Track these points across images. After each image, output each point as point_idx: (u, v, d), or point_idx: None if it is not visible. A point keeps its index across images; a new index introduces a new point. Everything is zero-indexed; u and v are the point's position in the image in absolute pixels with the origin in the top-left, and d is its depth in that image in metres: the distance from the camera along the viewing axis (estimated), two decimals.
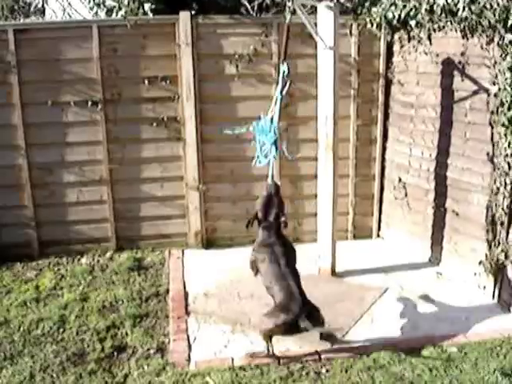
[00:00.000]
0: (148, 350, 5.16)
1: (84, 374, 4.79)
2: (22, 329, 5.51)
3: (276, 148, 5.56)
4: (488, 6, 5.51)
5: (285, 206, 5.47)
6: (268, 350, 4.96)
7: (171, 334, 5.41)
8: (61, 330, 5.50)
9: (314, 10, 6.33)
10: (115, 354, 5.11)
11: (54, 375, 4.79)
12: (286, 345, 5.19)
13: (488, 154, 5.90)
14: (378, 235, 7.84)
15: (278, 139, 5.57)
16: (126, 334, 5.43)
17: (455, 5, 5.85)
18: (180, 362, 4.95)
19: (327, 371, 4.81)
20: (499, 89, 5.60)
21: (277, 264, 5.05)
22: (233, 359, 4.95)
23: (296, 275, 5.05)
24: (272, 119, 5.57)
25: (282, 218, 5.30)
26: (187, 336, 5.38)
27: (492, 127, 5.81)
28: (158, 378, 4.73)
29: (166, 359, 5.00)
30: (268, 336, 4.92)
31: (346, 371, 4.79)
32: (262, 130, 5.61)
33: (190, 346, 5.22)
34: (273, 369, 4.80)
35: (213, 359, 5.01)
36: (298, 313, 4.72)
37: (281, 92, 5.61)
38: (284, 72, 5.62)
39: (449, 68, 6.35)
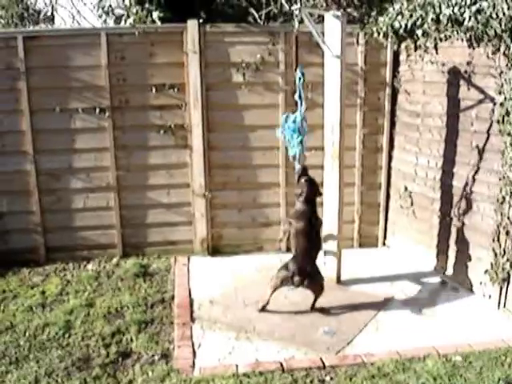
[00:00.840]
0: (153, 356, 5.17)
1: (89, 380, 4.80)
2: (27, 334, 5.52)
3: (302, 146, 6.16)
4: (494, 16, 5.52)
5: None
6: (267, 299, 5.92)
7: (176, 340, 5.41)
8: (66, 335, 5.51)
9: (321, 19, 6.37)
10: (120, 359, 5.12)
11: (59, 380, 4.80)
12: (290, 352, 5.22)
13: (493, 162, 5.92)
14: (384, 244, 7.84)
15: (303, 140, 6.12)
16: (131, 339, 5.44)
17: (461, 14, 5.86)
18: (184, 368, 4.95)
19: (331, 379, 4.79)
20: (505, 98, 5.61)
21: (309, 226, 5.92)
22: (237, 366, 4.94)
23: (317, 242, 6.06)
24: (294, 120, 6.10)
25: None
26: (192, 342, 5.39)
27: (497, 136, 5.82)
28: None
29: (170, 365, 5.00)
30: (274, 288, 5.86)
31: (350, 379, 4.77)
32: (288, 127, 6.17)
33: (194, 353, 5.22)
34: (277, 376, 4.79)
35: (217, 366, 5.01)
36: (294, 270, 5.74)
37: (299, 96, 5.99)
38: (300, 78, 5.91)
39: (455, 77, 6.37)
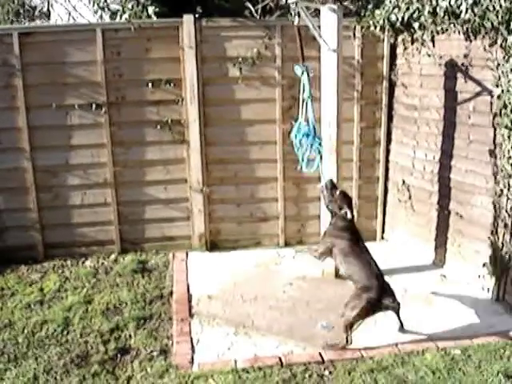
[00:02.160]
0: (151, 352, 5.17)
1: (87, 376, 4.81)
2: (26, 331, 5.52)
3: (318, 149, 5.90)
4: (491, 8, 5.50)
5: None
6: (347, 340, 5.08)
7: (175, 336, 5.41)
8: (65, 332, 5.51)
9: (317, 13, 6.34)
10: (119, 356, 5.12)
11: (58, 377, 4.81)
12: (289, 347, 5.21)
13: (491, 155, 5.90)
14: (382, 237, 7.83)
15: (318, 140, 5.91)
16: (130, 336, 5.44)
17: (458, 7, 5.84)
18: (183, 364, 4.96)
19: (330, 373, 4.80)
20: (502, 91, 5.59)
21: (357, 245, 5.38)
22: (236, 361, 4.95)
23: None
24: (308, 122, 5.91)
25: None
26: (190, 338, 5.39)
27: (495, 129, 5.80)
28: (161, 380, 4.74)
29: (169, 361, 5.00)
30: (351, 325, 5.07)
31: (349, 373, 4.78)
32: (299, 131, 5.97)
33: (193, 349, 5.22)
34: (276, 371, 4.80)
35: (216, 361, 5.01)
36: (380, 290, 5.07)
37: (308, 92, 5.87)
38: (303, 73, 5.84)
39: (452, 70, 6.35)
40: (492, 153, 5.88)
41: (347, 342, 5.09)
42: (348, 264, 5.30)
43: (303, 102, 5.99)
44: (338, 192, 5.56)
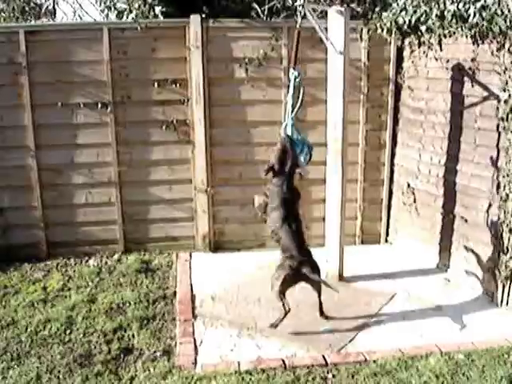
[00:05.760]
0: (154, 352, 5.16)
1: (90, 376, 4.80)
2: (29, 329, 5.52)
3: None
4: (499, 13, 5.50)
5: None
6: (284, 307, 5.38)
7: (178, 336, 5.40)
8: (68, 331, 5.51)
9: (324, 15, 6.33)
10: (122, 356, 5.11)
11: (61, 376, 4.80)
12: (292, 350, 5.20)
13: (497, 160, 5.88)
14: (386, 240, 7.81)
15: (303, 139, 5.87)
16: (133, 336, 5.43)
17: (466, 11, 5.84)
18: (186, 365, 4.95)
19: (333, 376, 4.79)
20: (509, 95, 5.59)
21: (284, 209, 5.47)
22: (239, 363, 4.94)
23: (299, 221, 5.56)
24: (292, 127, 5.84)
25: (298, 170, 5.60)
26: (194, 339, 5.38)
27: (502, 134, 5.79)
28: (164, 381, 4.73)
29: (172, 362, 4.99)
30: (282, 293, 5.35)
31: (353, 377, 4.77)
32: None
33: (196, 350, 5.22)
34: (279, 373, 4.79)
35: (219, 363, 5.00)
36: (299, 258, 5.32)
37: (293, 96, 5.75)
38: (296, 78, 5.75)
39: (459, 74, 6.34)
40: (498, 157, 5.87)
41: (285, 310, 5.37)
42: (273, 220, 5.57)
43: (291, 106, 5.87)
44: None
